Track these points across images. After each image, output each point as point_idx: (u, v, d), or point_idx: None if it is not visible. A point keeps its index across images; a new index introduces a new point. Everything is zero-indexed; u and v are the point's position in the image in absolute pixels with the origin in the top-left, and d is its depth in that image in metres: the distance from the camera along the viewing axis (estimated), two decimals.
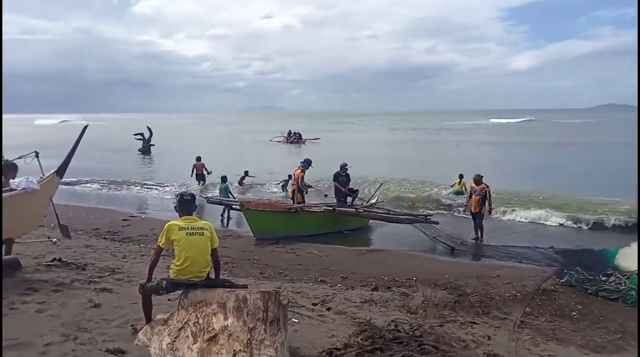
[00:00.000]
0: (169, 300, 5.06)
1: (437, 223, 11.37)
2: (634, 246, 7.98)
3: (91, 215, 13.00)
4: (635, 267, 7.42)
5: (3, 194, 5.94)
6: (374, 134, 62.17)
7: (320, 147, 36.80)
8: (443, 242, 10.83)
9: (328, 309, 5.87)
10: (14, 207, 5.99)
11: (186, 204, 4.48)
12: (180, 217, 4.43)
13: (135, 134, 33.28)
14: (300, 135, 42.04)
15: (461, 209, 13.56)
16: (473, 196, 11.25)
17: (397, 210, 13.19)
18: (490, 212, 11.41)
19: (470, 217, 11.53)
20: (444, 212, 14.58)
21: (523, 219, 13.61)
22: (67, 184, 17.77)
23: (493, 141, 45.41)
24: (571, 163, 26.86)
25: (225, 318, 3.79)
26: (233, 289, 4.06)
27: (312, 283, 7.54)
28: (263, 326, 3.70)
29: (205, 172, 18.30)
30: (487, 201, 11.12)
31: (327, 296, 6.49)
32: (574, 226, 12.94)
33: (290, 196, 12.69)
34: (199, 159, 18.39)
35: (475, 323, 5.73)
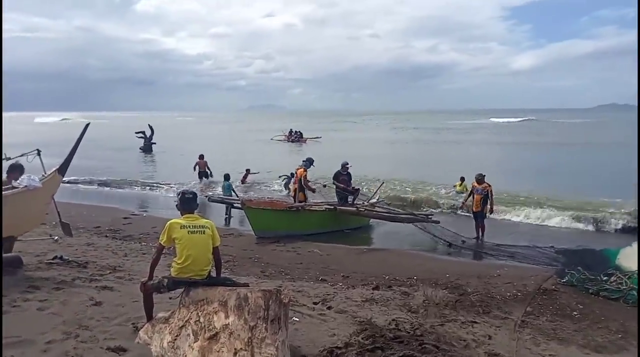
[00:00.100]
0: (170, 298, 5.06)
1: (438, 222, 11.38)
2: (635, 245, 7.98)
3: (92, 213, 13.01)
4: (636, 267, 7.41)
5: (6, 192, 5.96)
6: (376, 133, 62.14)
7: (322, 146, 36.79)
8: (443, 239, 10.83)
9: (329, 307, 5.87)
10: (16, 205, 6.00)
11: (188, 203, 4.49)
12: (182, 215, 4.45)
13: (137, 133, 33.30)
14: (301, 134, 42.02)
15: (458, 207, 13.66)
16: (475, 195, 11.24)
17: (398, 209, 13.19)
18: (491, 211, 11.42)
19: (472, 216, 11.52)
20: (446, 210, 14.61)
21: (524, 219, 13.63)
22: (69, 182, 17.79)
23: (493, 141, 45.33)
24: (571, 163, 26.83)
25: (227, 317, 3.80)
26: (234, 288, 4.07)
27: (313, 282, 7.54)
28: (264, 325, 3.71)
29: (207, 170, 18.40)
30: (489, 200, 11.11)
31: (328, 294, 6.50)
32: (575, 226, 12.93)
33: (292, 195, 12.69)
34: (201, 157, 18.56)
35: (476, 322, 5.73)
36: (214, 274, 4.49)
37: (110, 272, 6.77)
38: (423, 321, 5.53)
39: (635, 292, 7.02)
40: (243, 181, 18.68)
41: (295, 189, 12.29)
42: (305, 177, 12.07)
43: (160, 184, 19.72)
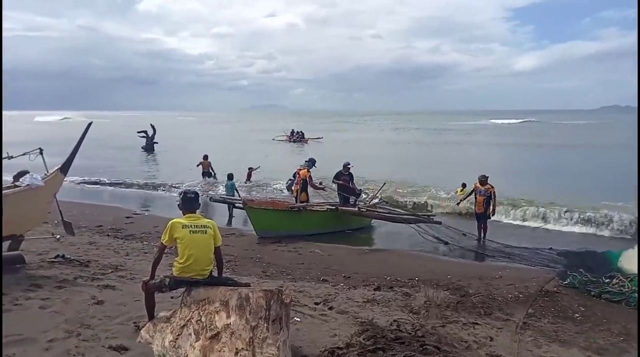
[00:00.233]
0: (172, 298, 5.07)
1: (440, 223, 11.38)
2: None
3: (94, 212, 13.04)
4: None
5: (8, 191, 5.98)
6: (377, 133, 62.17)
7: (323, 147, 36.81)
8: (438, 238, 10.82)
9: (330, 308, 5.87)
10: (19, 203, 6.02)
11: (190, 202, 4.50)
12: (184, 215, 4.45)
13: (139, 132, 33.38)
14: (302, 134, 42.05)
15: (456, 203, 13.80)
16: (478, 197, 11.23)
17: (399, 210, 13.19)
18: (493, 213, 11.41)
19: (474, 217, 11.52)
20: (448, 212, 14.59)
21: (525, 221, 13.62)
22: (71, 181, 17.82)
23: (494, 142, 45.19)
24: (573, 165, 26.77)
25: (228, 316, 3.80)
26: (236, 288, 4.07)
27: (314, 282, 7.54)
28: (265, 325, 3.71)
29: (211, 171, 18.50)
30: (491, 202, 11.10)
31: (329, 295, 6.50)
32: (577, 228, 12.92)
33: (294, 195, 12.70)
34: (205, 157, 18.69)
35: (477, 324, 5.72)
36: (215, 273, 4.50)
37: (112, 271, 6.78)
38: (424, 322, 5.52)
39: (637, 295, 7.00)
40: (248, 179, 18.69)
41: (297, 189, 12.30)
42: (310, 178, 12.09)
43: (162, 183, 19.74)
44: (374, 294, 6.72)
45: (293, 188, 13.41)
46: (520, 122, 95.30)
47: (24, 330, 4.31)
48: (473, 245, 10.96)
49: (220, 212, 13.58)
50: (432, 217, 12.03)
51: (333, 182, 12.70)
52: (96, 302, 5.24)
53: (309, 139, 41.42)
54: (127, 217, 12.61)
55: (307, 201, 12.10)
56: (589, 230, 12.77)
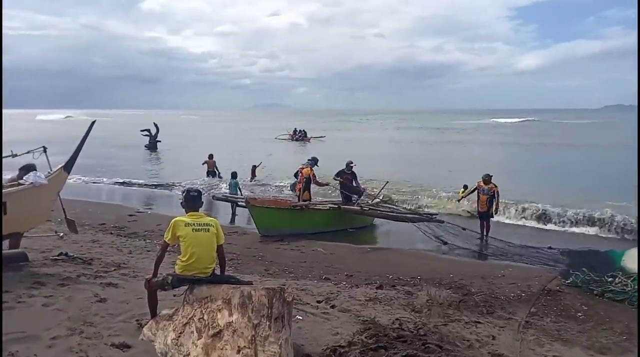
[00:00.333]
0: (174, 295, 5.09)
1: (442, 222, 11.35)
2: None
3: (98, 210, 13.07)
4: None
5: (11, 189, 6.00)
6: (380, 132, 62.09)
7: (326, 146, 36.81)
8: (443, 239, 10.82)
9: (332, 306, 5.87)
10: (22, 201, 6.04)
11: (192, 200, 4.51)
12: (187, 213, 4.46)
13: (142, 130, 33.45)
14: (305, 133, 42.06)
15: (457, 199, 13.90)
16: (481, 195, 11.22)
17: (402, 208, 13.17)
18: (496, 212, 11.37)
19: (477, 216, 11.50)
20: (451, 212, 14.57)
21: (528, 220, 13.58)
22: (74, 179, 17.87)
23: (496, 142, 44.94)
24: (576, 164, 26.66)
25: (230, 314, 3.81)
26: (238, 286, 4.08)
27: (316, 280, 7.54)
28: (267, 323, 3.71)
29: (216, 170, 18.55)
30: (494, 201, 11.08)
31: (331, 293, 6.50)
32: (580, 227, 12.87)
33: (297, 194, 12.71)
34: (210, 156, 18.72)
35: (479, 323, 5.71)
36: (218, 272, 4.51)
37: (115, 269, 6.79)
38: (426, 320, 5.52)
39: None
40: (252, 177, 18.68)
41: (300, 188, 12.31)
42: (314, 175, 12.11)
43: (165, 181, 19.77)
44: (376, 292, 6.72)
45: (295, 187, 13.43)
46: (524, 121, 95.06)
47: (27, 327, 4.33)
48: (475, 244, 10.94)
49: (224, 211, 13.60)
50: (434, 216, 12.01)
51: (334, 178, 12.70)
52: (99, 300, 5.25)
53: (311, 137, 41.43)
54: (130, 215, 12.64)
55: (310, 199, 12.11)
56: (592, 230, 12.71)
